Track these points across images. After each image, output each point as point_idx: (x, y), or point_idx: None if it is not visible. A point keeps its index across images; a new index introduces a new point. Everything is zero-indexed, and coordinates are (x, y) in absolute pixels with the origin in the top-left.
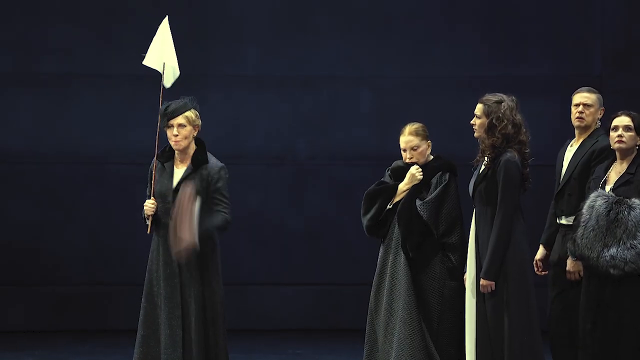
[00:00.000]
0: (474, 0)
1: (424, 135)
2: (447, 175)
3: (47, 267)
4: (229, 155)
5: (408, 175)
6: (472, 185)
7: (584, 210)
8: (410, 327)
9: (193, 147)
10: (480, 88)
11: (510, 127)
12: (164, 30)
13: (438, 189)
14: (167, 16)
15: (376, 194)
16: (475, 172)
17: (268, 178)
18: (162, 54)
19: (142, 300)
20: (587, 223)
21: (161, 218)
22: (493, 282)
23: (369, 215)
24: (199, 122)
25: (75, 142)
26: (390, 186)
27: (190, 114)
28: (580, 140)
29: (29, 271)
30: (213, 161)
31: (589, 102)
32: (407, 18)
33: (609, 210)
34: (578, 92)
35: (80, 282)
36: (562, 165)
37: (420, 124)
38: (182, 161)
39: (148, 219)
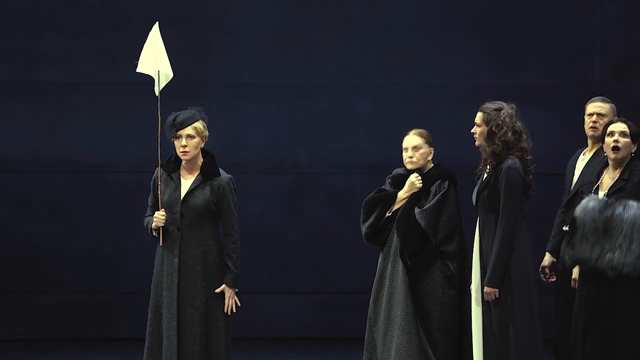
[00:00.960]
0: (473, 10)
1: (428, 139)
2: (447, 183)
3: (46, 276)
4: (228, 163)
5: (407, 183)
6: (475, 193)
7: (577, 214)
8: (409, 336)
9: (200, 157)
10: (479, 97)
11: (510, 134)
12: (155, 36)
13: (437, 196)
14: (157, 22)
15: (375, 202)
16: (479, 181)
17: (267, 187)
18: (155, 60)
19: (148, 311)
20: (583, 227)
21: (167, 228)
22: (497, 290)
23: (367, 223)
24: (207, 132)
25: (74, 152)
26: (390, 194)
27: (199, 124)
28: (594, 150)
29: (28, 280)
30: (221, 172)
31: (602, 111)
32: (407, 27)
33: (604, 209)
34: (592, 102)
35: (79, 291)
36: (574, 174)
37: (426, 130)
38: (189, 171)
39: (155, 230)
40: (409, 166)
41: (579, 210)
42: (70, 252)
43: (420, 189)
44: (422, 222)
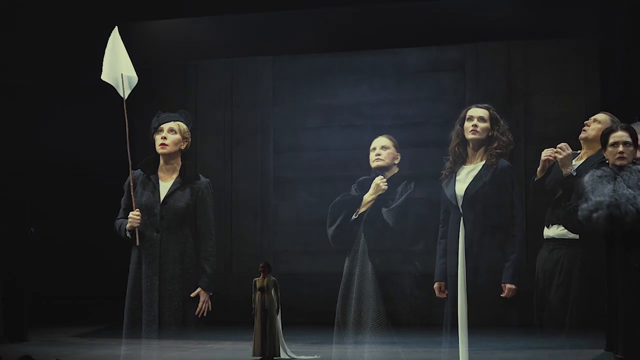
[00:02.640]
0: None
1: (396, 144)
2: (412, 184)
3: (24, 280)
4: None
5: (373, 185)
6: (464, 190)
7: (584, 182)
8: (382, 338)
9: (179, 160)
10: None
11: (511, 137)
12: (115, 41)
13: (404, 196)
14: (116, 26)
15: (341, 205)
16: (454, 179)
17: (238, 193)
18: (117, 65)
19: (124, 315)
20: (593, 182)
21: (145, 231)
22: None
23: (334, 226)
24: (189, 137)
25: (51, 154)
26: (356, 197)
27: (183, 125)
28: (585, 157)
29: (4, 284)
30: (200, 176)
31: (599, 118)
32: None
33: (608, 174)
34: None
35: (57, 295)
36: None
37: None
38: (168, 174)
39: (129, 230)
40: (375, 164)
41: (586, 176)
42: (48, 256)
43: (386, 191)
44: (389, 221)
